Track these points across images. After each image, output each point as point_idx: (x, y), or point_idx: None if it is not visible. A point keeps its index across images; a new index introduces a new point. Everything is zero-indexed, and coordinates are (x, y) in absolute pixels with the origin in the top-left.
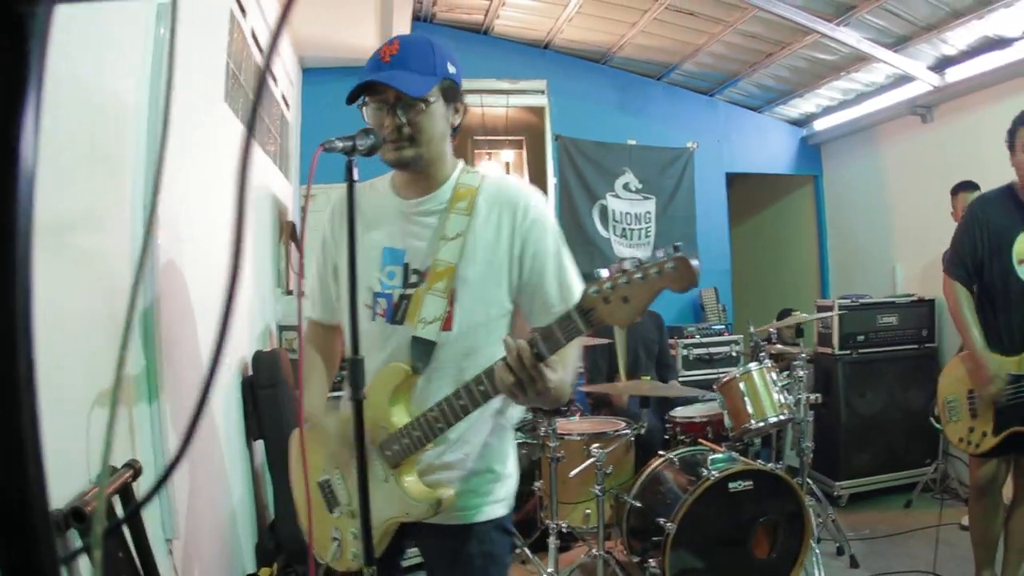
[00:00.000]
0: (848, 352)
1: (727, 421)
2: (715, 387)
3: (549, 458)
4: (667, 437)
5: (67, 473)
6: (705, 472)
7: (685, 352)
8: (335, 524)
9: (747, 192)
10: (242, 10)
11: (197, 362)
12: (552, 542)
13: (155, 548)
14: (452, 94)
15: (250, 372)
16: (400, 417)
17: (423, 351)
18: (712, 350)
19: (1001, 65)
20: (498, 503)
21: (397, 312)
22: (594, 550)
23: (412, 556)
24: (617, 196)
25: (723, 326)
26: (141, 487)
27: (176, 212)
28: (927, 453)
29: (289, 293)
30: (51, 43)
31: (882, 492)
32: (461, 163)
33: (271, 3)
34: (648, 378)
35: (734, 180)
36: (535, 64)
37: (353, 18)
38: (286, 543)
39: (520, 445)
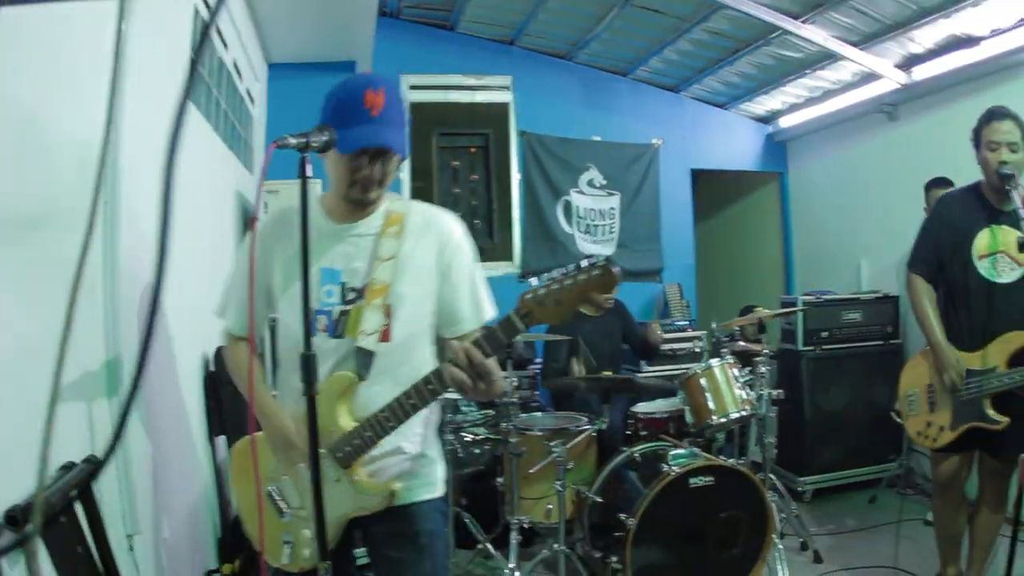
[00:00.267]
0: (812, 348)
1: (689, 417)
2: (677, 383)
3: (510, 454)
4: (629, 433)
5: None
6: (666, 468)
7: None
8: (286, 528)
9: (712, 188)
10: (207, 5)
11: (162, 357)
12: (514, 537)
13: (116, 544)
14: None
15: (212, 368)
16: (345, 421)
17: (364, 361)
18: (675, 346)
19: (968, 64)
20: (433, 484)
21: (338, 327)
22: (556, 545)
23: (364, 556)
24: (581, 192)
25: (687, 322)
26: (102, 483)
27: (138, 208)
28: (892, 449)
29: None
30: None
31: (847, 487)
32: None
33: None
34: (609, 374)
35: (699, 176)
36: (501, 60)
37: (320, 14)
38: (249, 539)
39: (482, 441)
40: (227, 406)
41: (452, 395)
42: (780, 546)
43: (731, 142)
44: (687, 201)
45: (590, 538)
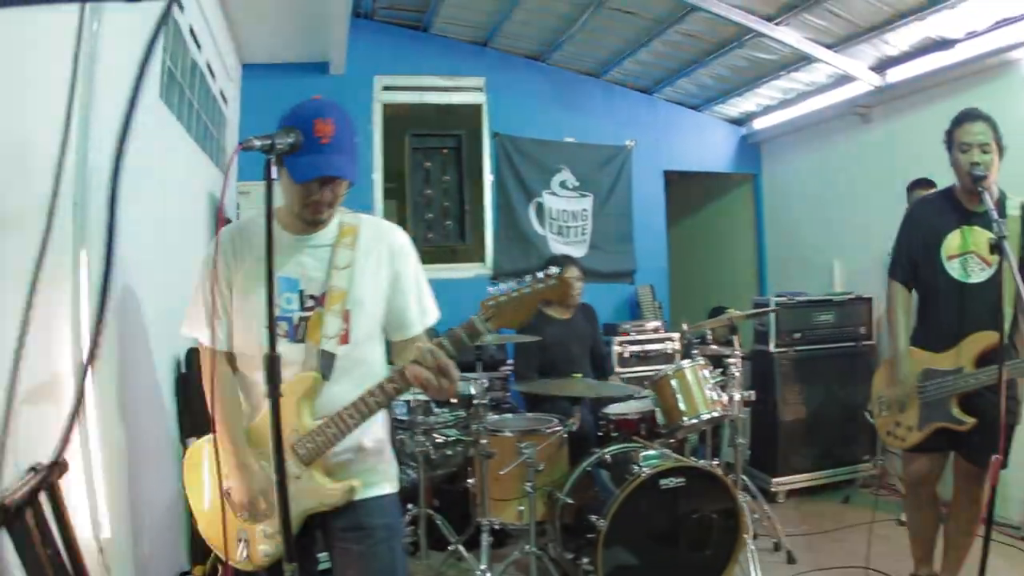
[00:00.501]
0: (785, 349)
1: (660, 418)
2: (648, 384)
3: (480, 455)
4: (601, 434)
5: None
6: (636, 469)
7: (620, 349)
8: (241, 527)
9: (686, 190)
10: (180, 6)
11: (134, 358)
12: (485, 539)
13: (86, 547)
14: None
15: (184, 370)
16: (307, 419)
17: (326, 362)
18: (648, 347)
19: (941, 66)
20: (390, 480)
21: (298, 332)
22: (527, 547)
23: (326, 561)
24: (554, 194)
25: (659, 323)
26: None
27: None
28: (866, 450)
29: None
30: None
31: (821, 488)
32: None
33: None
34: (580, 376)
35: (673, 178)
36: (474, 61)
37: (294, 15)
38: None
39: (454, 443)
40: (198, 407)
41: (421, 396)
42: (753, 547)
43: (705, 144)
44: (660, 203)
45: (562, 539)
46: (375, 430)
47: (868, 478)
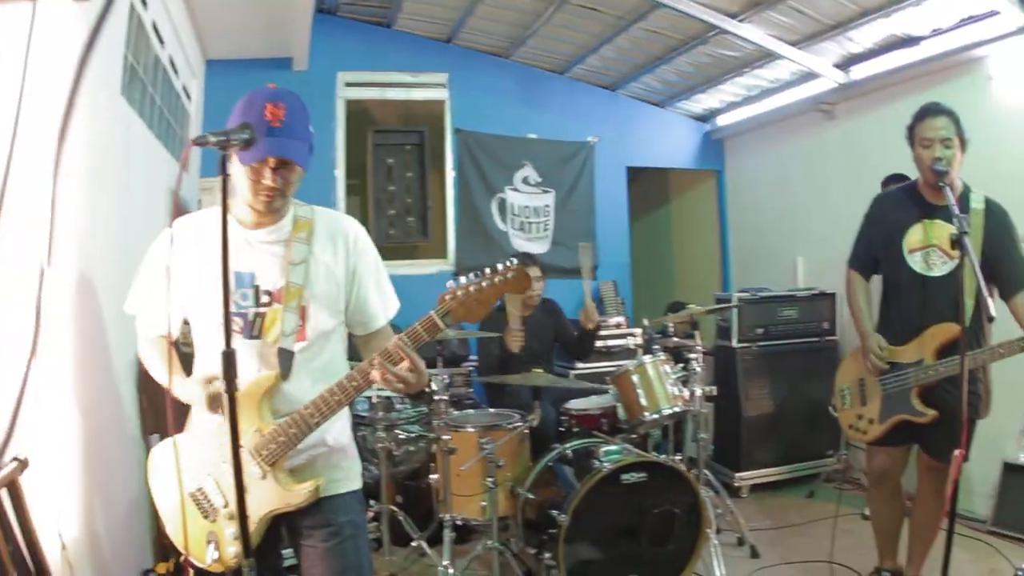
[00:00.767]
0: (748, 344)
1: (621, 413)
2: (609, 379)
3: (442, 451)
4: (562, 429)
5: None
6: (597, 464)
7: None
8: (210, 529)
9: (649, 186)
10: (143, 1)
11: (96, 356)
12: (447, 535)
13: (48, 544)
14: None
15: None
16: (268, 419)
17: (285, 360)
18: (610, 343)
19: (906, 64)
20: (353, 478)
21: (253, 328)
22: (489, 542)
23: (291, 557)
24: (516, 190)
25: (622, 319)
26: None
27: (69, 205)
28: (830, 444)
29: None
30: None
31: (785, 483)
32: (292, 198)
33: None
34: (541, 371)
35: (636, 174)
36: (437, 58)
37: (257, 11)
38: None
39: (416, 439)
40: (159, 404)
41: (385, 393)
42: (716, 541)
43: (668, 140)
44: (623, 199)
45: (524, 535)
46: (338, 427)
47: (832, 472)
